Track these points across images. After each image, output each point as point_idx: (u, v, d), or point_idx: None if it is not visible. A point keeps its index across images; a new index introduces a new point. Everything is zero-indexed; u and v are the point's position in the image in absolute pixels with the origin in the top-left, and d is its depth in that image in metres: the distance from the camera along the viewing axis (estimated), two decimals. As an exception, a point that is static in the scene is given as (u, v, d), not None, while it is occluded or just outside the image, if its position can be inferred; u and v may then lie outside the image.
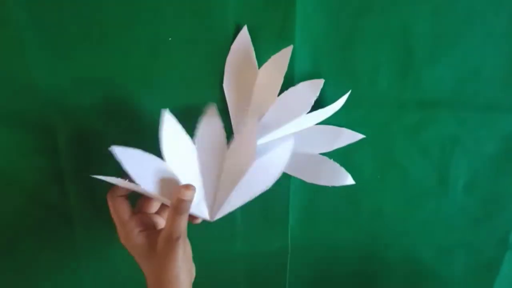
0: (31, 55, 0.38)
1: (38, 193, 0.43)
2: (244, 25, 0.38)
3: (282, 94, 0.39)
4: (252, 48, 0.39)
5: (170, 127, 0.37)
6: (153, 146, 0.42)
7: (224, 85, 0.40)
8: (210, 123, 0.39)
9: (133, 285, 0.44)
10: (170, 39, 0.38)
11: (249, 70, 0.39)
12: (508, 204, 0.46)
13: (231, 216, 0.44)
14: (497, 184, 0.45)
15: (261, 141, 0.39)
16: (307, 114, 0.38)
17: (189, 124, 0.41)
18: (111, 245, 0.43)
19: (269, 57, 0.39)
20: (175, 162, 0.37)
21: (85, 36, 0.38)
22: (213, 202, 0.40)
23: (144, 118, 0.41)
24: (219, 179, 0.40)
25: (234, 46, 0.39)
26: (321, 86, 0.39)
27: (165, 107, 0.40)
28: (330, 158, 0.42)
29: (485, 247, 0.48)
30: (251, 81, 0.40)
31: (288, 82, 0.40)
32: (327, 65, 0.40)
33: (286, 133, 0.40)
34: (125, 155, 0.36)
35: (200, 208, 0.39)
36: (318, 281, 0.50)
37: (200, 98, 0.40)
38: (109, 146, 0.41)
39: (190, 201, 0.36)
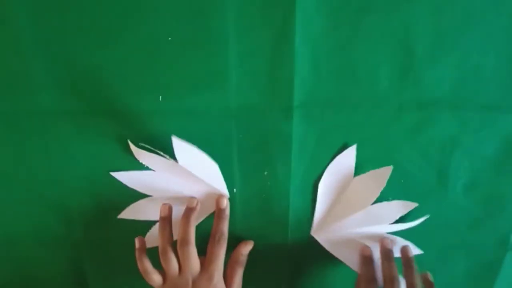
0: (31, 55, 0.39)
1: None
2: (353, 145, 0.43)
3: (374, 205, 0.44)
4: (354, 163, 0.43)
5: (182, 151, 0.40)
6: (153, 145, 0.42)
7: (320, 185, 0.44)
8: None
9: None
10: (170, 39, 0.38)
11: (345, 179, 0.44)
12: (508, 204, 0.46)
13: (231, 216, 0.44)
14: (497, 185, 0.45)
15: (337, 236, 0.45)
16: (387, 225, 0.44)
17: (189, 125, 0.41)
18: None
19: (269, 58, 0.39)
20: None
21: (85, 37, 0.38)
22: None
23: (144, 118, 0.41)
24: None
25: (340, 158, 0.43)
26: (413, 207, 0.44)
27: (164, 107, 0.41)
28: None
29: (485, 248, 0.48)
30: (342, 188, 0.44)
31: (288, 83, 0.40)
32: (327, 65, 0.40)
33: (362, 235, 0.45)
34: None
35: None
36: (318, 281, 0.50)
37: (200, 98, 0.41)
38: (111, 145, 0.41)
39: (194, 209, 0.42)
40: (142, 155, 0.41)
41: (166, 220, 0.42)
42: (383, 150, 0.43)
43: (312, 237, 0.46)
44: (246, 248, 0.45)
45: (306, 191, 0.45)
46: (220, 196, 0.43)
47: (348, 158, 0.43)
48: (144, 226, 0.45)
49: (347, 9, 0.39)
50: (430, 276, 0.44)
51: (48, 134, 0.41)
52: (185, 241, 0.40)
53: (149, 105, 0.40)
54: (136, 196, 0.44)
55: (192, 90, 0.40)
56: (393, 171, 0.44)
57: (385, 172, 0.43)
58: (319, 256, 0.48)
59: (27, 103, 0.40)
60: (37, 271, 0.48)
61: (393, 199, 0.44)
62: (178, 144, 0.39)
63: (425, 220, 0.46)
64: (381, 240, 0.44)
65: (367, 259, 0.44)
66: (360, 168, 0.44)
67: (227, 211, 0.43)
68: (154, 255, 0.41)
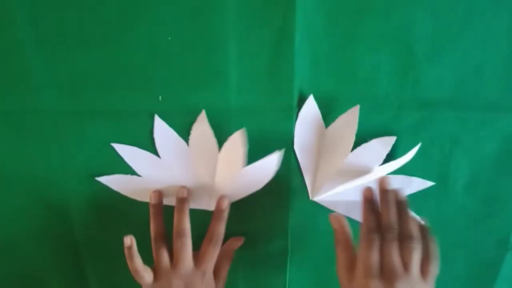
0: (31, 55, 0.39)
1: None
2: (310, 94, 0.41)
3: (356, 149, 0.42)
4: (319, 113, 0.42)
5: (161, 129, 0.41)
6: (148, 147, 0.42)
7: (295, 148, 0.42)
8: (201, 128, 0.41)
9: None
10: (169, 38, 0.38)
11: (317, 131, 0.42)
12: (508, 204, 0.46)
13: (231, 216, 0.44)
14: (497, 184, 0.45)
15: (336, 191, 0.43)
16: (379, 166, 0.42)
17: (189, 125, 0.41)
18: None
19: (269, 58, 0.39)
20: (169, 161, 0.42)
21: (84, 36, 0.38)
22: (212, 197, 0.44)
23: (144, 118, 0.41)
24: (214, 179, 0.43)
25: (302, 112, 0.41)
26: (393, 142, 0.42)
27: (164, 107, 0.41)
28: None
29: (485, 248, 0.48)
30: (319, 142, 0.43)
31: (288, 83, 0.40)
32: (327, 65, 0.40)
33: (359, 184, 0.42)
34: (125, 151, 0.42)
35: (202, 202, 0.44)
36: (318, 281, 0.50)
37: (200, 98, 0.41)
38: (110, 145, 0.41)
39: (186, 199, 0.42)
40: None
41: (157, 207, 0.42)
42: (383, 150, 0.43)
43: (313, 237, 0.46)
44: (237, 244, 0.45)
45: (306, 191, 0.45)
46: (221, 197, 0.43)
47: (311, 110, 0.42)
48: (144, 227, 0.45)
49: (347, 9, 0.39)
50: (425, 221, 0.40)
51: (48, 133, 0.41)
52: (181, 232, 0.40)
53: (149, 105, 0.40)
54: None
55: (192, 90, 0.40)
56: (393, 171, 0.44)
57: (354, 113, 0.41)
58: (320, 255, 0.48)
59: (27, 103, 0.40)
60: (37, 271, 0.48)
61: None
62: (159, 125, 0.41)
63: (425, 220, 0.46)
64: (380, 180, 0.41)
65: (370, 203, 0.40)
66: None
67: (226, 213, 0.43)
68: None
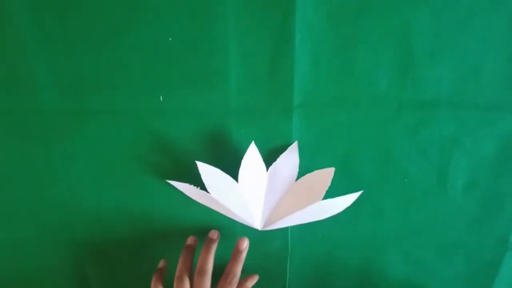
0: (32, 55, 0.39)
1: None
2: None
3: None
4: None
5: (252, 155, 0.42)
6: (148, 147, 0.42)
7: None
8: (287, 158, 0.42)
9: None
10: (170, 39, 0.38)
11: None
12: (507, 204, 0.46)
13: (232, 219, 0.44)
14: (496, 184, 0.45)
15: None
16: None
17: (189, 125, 0.41)
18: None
19: (269, 58, 0.39)
20: (247, 182, 0.42)
21: (85, 37, 0.38)
22: (268, 218, 0.44)
23: (144, 118, 0.41)
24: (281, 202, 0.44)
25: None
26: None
27: (164, 107, 0.41)
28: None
29: (485, 247, 0.48)
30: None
31: (288, 83, 0.40)
32: (327, 65, 0.40)
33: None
34: (205, 170, 0.41)
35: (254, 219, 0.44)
36: (318, 281, 0.50)
37: (200, 98, 0.41)
38: (111, 145, 0.41)
39: (215, 241, 0.44)
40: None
41: (190, 248, 0.44)
42: (383, 150, 0.43)
43: (313, 237, 0.46)
44: (252, 282, 0.47)
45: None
46: (241, 238, 0.44)
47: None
48: (146, 228, 0.45)
49: (347, 9, 0.39)
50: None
51: (49, 133, 0.41)
52: (203, 271, 0.42)
53: (149, 105, 0.41)
54: (136, 196, 0.44)
55: (192, 90, 0.40)
56: (393, 171, 0.44)
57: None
58: (320, 255, 0.48)
59: (29, 103, 0.40)
60: (39, 272, 0.48)
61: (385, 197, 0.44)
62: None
63: (424, 219, 0.46)
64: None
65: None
66: (360, 168, 0.44)
67: (245, 254, 0.44)
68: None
